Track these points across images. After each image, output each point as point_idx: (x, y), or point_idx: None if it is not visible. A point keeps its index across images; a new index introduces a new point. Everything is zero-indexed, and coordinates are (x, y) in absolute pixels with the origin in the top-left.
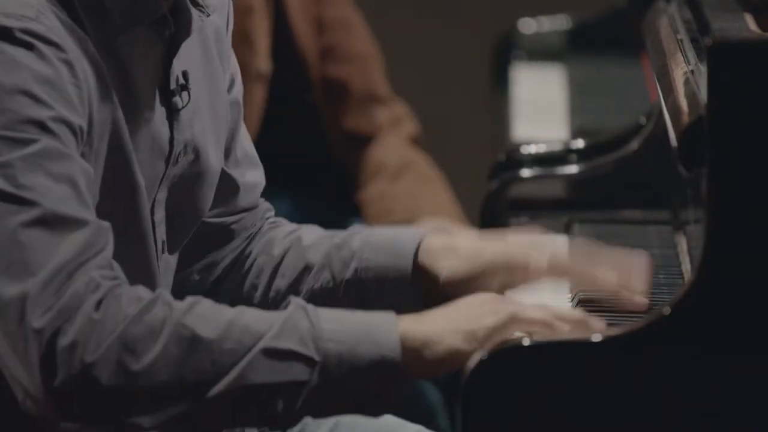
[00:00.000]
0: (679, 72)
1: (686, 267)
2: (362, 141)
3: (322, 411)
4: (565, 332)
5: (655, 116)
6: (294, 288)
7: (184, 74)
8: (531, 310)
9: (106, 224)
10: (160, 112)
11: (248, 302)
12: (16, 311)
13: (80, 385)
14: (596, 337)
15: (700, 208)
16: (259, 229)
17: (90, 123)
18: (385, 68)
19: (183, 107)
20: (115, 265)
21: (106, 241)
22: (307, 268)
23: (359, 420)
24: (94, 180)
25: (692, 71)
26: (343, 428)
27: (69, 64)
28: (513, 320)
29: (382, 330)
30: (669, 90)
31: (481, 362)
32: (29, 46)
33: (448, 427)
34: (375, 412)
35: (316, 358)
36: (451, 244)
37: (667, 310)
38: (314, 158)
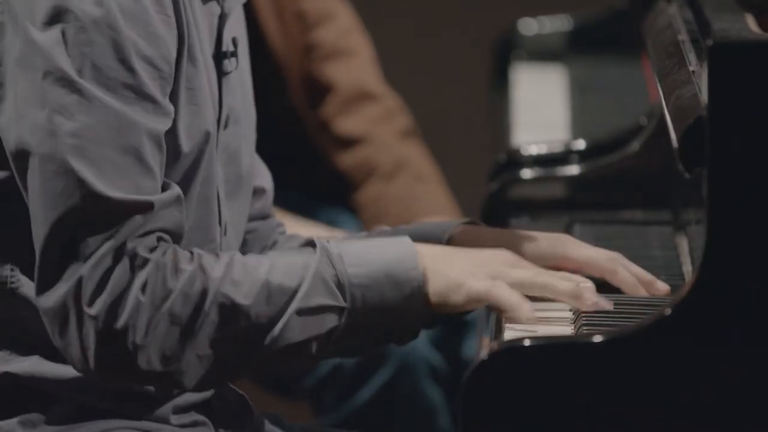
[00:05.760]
0: (679, 73)
1: (687, 268)
2: (352, 142)
3: (350, 349)
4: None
5: (655, 117)
6: None
7: (234, 41)
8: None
9: (168, 196)
10: (213, 71)
11: None
12: (70, 294)
13: (134, 363)
14: (597, 338)
15: (700, 208)
16: (274, 243)
17: (180, 47)
18: (384, 69)
19: (231, 72)
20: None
21: (162, 214)
22: None
23: None
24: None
25: (693, 72)
26: None
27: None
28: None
29: (403, 268)
30: (670, 91)
31: (482, 362)
32: None
33: (450, 427)
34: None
35: (345, 305)
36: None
37: (667, 311)
38: (302, 161)
